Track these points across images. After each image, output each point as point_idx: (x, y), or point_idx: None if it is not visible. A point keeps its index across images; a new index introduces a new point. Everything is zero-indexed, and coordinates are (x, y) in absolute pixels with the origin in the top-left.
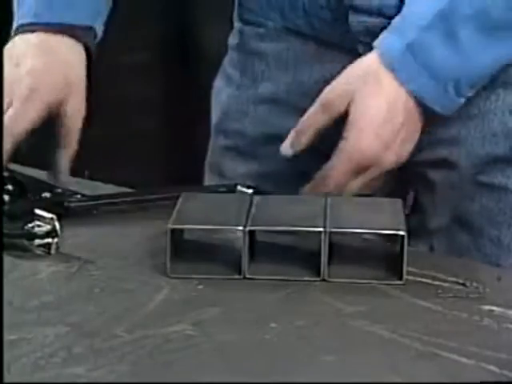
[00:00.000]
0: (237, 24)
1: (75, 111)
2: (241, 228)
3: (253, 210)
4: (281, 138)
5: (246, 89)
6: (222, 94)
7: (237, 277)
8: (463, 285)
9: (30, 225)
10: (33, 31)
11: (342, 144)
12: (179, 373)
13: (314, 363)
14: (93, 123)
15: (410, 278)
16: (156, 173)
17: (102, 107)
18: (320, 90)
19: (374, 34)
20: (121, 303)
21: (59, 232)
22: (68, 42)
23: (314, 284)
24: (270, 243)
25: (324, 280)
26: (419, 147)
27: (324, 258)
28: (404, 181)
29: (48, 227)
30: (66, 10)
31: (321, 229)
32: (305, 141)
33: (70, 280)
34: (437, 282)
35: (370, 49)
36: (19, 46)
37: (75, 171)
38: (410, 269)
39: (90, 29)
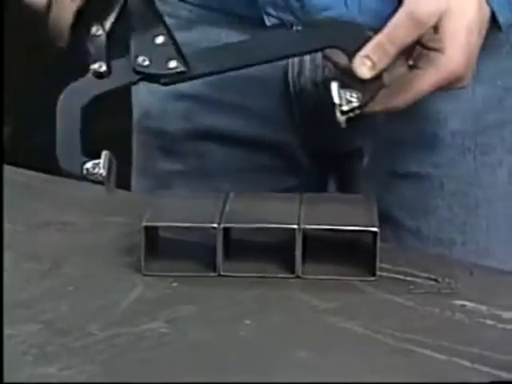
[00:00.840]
0: None
1: None
2: (215, 225)
3: (227, 207)
4: (202, 135)
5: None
6: (141, 90)
7: (211, 274)
8: (435, 280)
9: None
10: None
11: (436, 56)
12: (153, 371)
13: (288, 360)
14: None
15: (383, 274)
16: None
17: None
18: (237, 81)
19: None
20: (94, 301)
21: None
22: None
23: (289, 281)
24: (245, 240)
25: (298, 277)
26: (337, 141)
27: (298, 255)
28: (323, 172)
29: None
30: None
31: (295, 226)
32: (388, 60)
33: (43, 278)
34: (409, 278)
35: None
36: None
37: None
38: (383, 265)
39: None
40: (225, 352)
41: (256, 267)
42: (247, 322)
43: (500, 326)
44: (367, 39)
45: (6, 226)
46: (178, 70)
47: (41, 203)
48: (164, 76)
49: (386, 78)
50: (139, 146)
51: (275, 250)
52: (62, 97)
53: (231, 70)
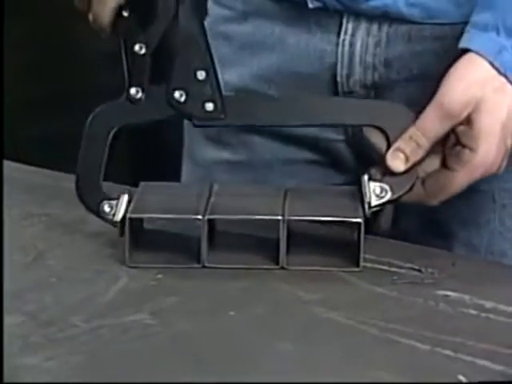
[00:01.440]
0: (209, 6)
1: None
2: (200, 217)
3: (212, 198)
4: (250, 127)
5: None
6: None
7: (196, 266)
8: (419, 271)
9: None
10: None
11: (469, 155)
12: (137, 362)
13: (272, 351)
14: (65, 114)
15: (367, 264)
16: (130, 164)
17: (76, 96)
18: (285, 77)
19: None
20: (78, 293)
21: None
22: None
23: (273, 272)
24: (230, 232)
25: (283, 268)
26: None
27: (282, 247)
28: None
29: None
30: None
31: (279, 217)
32: (422, 153)
33: (27, 269)
34: (393, 269)
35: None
36: None
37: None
38: (367, 256)
39: None
40: (209, 343)
41: (240, 259)
42: (232, 313)
43: (483, 315)
44: (410, 122)
45: None
46: (215, 115)
47: (24, 195)
48: (198, 118)
49: (420, 172)
50: (190, 134)
51: (260, 242)
52: (90, 119)
53: (265, 126)
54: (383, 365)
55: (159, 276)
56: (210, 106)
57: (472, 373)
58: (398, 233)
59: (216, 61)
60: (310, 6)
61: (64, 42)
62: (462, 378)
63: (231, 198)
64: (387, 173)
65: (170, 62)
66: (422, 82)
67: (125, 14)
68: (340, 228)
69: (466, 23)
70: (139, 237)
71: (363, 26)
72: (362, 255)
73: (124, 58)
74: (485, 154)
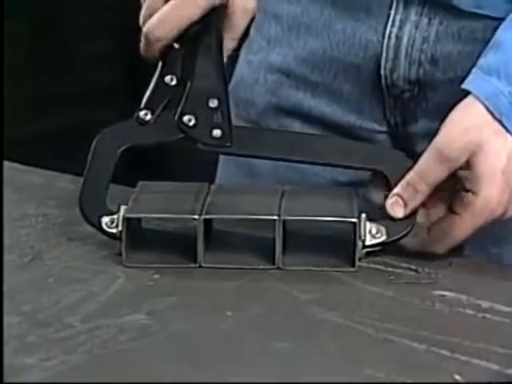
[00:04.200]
0: None
1: (241, 11)
2: (196, 217)
3: (209, 198)
4: (288, 112)
5: (259, 53)
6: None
7: (192, 265)
8: (415, 270)
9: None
10: None
11: (472, 199)
12: (133, 363)
13: (269, 351)
14: (58, 114)
15: (363, 264)
16: (125, 164)
17: (67, 97)
18: (328, 63)
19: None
20: (75, 293)
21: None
22: None
23: (270, 272)
24: (226, 232)
25: (279, 268)
26: (418, 136)
27: (278, 246)
28: None
29: None
30: None
31: (275, 217)
32: (420, 198)
33: (24, 269)
34: (389, 269)
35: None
36: None
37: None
38: (363, 255)
39: None
40: (206, 343)
41: (237, 259)
42: (228, 313)
43: (480, 315)
44: (408, 168)
45: None
46: (221, 143)
47: (20, 195)
48: (205, 144)
49: (423, 219)
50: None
51: (256, 242)
52: (99, 137)
53: (268, 159)
54: (379, 364)
55: (156, 276)
56: (217, 133)
57: (468, 372)
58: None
59: (263, 40)
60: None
61: (56, 41)
62: (459, 378)
63: (228, 197)
64: (386, 216)
65: (184, 86)
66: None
67: (176, 45)
68: (335, 227)
69: None
70: (136, 236)
71: (412, 18)
72: (357, 255)
73: (153, 83)
74: (487, 196)
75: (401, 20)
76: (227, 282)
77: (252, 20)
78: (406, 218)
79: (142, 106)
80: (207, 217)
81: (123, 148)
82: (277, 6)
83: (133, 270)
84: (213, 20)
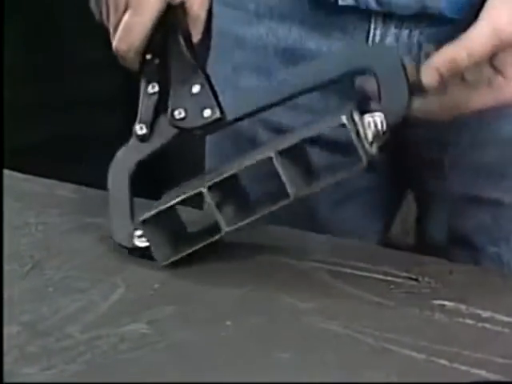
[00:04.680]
0: (217, 9)
1: (198, 3)
2: (202, 189)
3: (210, 176)
4: (269, 131)
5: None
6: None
7: (217, 236)
8: (415, 280)
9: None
10: None
11: (500, 81)
12: (133, 372)
13: (269, 360)
14: (56, 122)
15: (364, 273)
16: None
17: (65, 104)
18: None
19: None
20: (75, 302)
21: None
22: None
23: (270, 282)
24: (234, 192)
25: (295, 199)
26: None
27: (284, 177)
28: (401, 187)
29: None
30: None
31: (271, 153)
32: (458, 73)
33: (23, 279)
34: (389, 278)
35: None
36: None
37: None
38: (363, 264)
39: None
40: (206, 353)
41: (254, 211)
42: (228, 322)
43: (479, 325)
44: (402, 65)
45: None
46: (214, 117)
47: (21, 203)
48: (199, 128)
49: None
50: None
51: (264, 189)
52: (111, 165)
53: (265, 109)
54: (379, 374)
55: (156, 286)
56: (207, 112)
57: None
58: (425, 247)
59: (230, 67)
60: (341, 2)
61: (54, 49)
62: None
63: (226, 168)
64: (378, 102)
65: (166, 87)
66: None
67: (148, 56)
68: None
69: None
70: (156, 236)
71: (392, 31)
72: (361, 150)
73: (140, 96)
74: None
75: (381, 34)
76: (227, 291)
77: (210, 12)
78: (399, 97)
79: (137, 121)
80: (210, 183)
81: (134, 168)
82: (237, 29)
83: (133, 279)
84: (174, 19)
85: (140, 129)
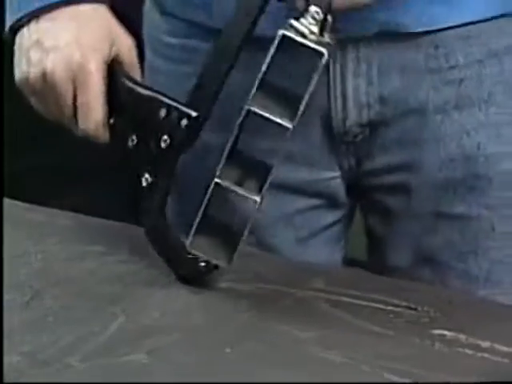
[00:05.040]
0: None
1: (128, 51)
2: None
3: None
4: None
5: None
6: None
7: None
8: (415, 309)
9: None
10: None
11: None
12: None
13: None
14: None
15: (363, 303)
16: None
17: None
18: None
19: None
20: (74, 332)
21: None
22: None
23: (270, 311)
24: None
25: None
26: (375, 172)
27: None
28: (363, 209)
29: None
30: None
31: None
32: None
33: (23, 309)
34: (389, 307)
35: None
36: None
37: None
38: (363, 294)
39: None
40: (206, 380)
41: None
42: (227, 350)
43: (479, 354)
44: None
45: None
46: (192, 121)
47: (20, 232)
48: (182, 140)
49: None
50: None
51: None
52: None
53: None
54: None
55: (156, 315)
56: (184, 122)
57: None
58: (389, 269)
59: None
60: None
61: None
62: None
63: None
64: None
65: (142, 127)
66: (419, 116)
67: (111, 121)
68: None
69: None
70: (208, 248)
71: (350, 66)
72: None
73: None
74: None
75: (341, 68)
76: (227, 320)
77: (140, 47)
78: None
79: (142, 177)
80: (220, 170)
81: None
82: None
83: (132, 308)
84: (115, 75)
85: (145, 180)
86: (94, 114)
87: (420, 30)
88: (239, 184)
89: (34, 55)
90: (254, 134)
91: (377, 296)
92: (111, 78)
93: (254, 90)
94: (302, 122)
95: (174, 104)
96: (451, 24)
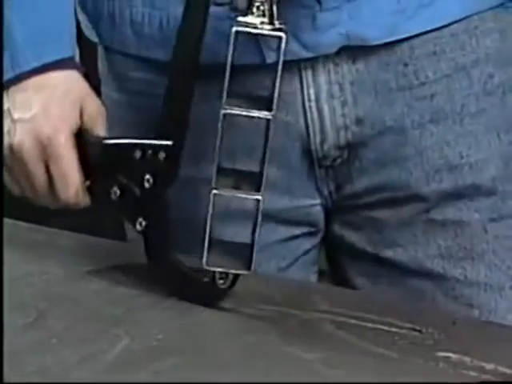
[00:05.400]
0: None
1: (97, 116)
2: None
3: None
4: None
5: None
6: None
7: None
8: (419, 331)
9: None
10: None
11: None
12: None
13: None
14: None
15: (368, 324)
16: None
17: None
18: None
19: None
20: (78, 354)
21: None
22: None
23: (274, 332)
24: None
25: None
26: (356, 195)
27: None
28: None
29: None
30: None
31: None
32: None
33: (27, 330)
34: (393, 329)
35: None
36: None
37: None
38: (367, 315)
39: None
40: None
41: None
42: (231, 371)
43: (484, 376)
44: None
45: None
46: (169, 151)
47: (23, 253)
48: (171, 176)
49: None
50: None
51: None
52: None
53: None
54: None
55: (160, 336)
56: (162, 155)
57: None
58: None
59: None
60: (269, 61)
61: None
62: None
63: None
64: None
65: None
66: (397, 134)
67: (87, 183)
68: None
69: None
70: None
71: (324, 88)
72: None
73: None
74: None
75: (315, 93)
76: (231, 341)
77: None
78: None
79: (136, 222)
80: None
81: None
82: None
83: (136, 329)
84: (82, 135)
85: (139, 224)
86: (71, 182)
87: (387, 40)
88: (237, 188)
89: (4, 126)
90: (237, 136)
91: (381, 318)
92: (78, 140)
93: (224, 97)
94: (281, 148)
95: (147, 142)
96: (418, 31)
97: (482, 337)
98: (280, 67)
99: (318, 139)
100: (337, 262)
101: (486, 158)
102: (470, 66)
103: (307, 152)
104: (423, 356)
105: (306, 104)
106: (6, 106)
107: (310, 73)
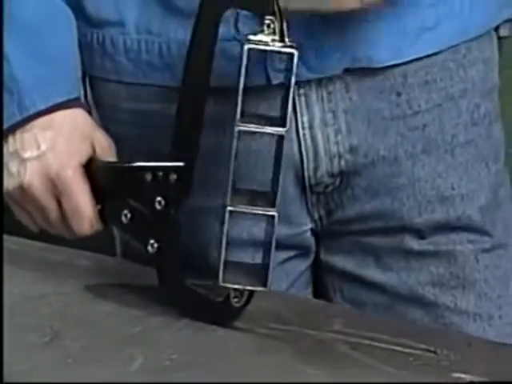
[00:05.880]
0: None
1: (108, 150)
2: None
3: None
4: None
5: None
6: None
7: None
8: (434, 352)
9: None
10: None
11: None
12: None
13: None
14: None
15: (382, 345)
16: None
17: None
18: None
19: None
20: (94, 374)
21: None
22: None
23: (287, 351)
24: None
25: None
26: (346, 221)
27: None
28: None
29: None
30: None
31: None
32: None
33: (43, 350)
34: (407, 350)
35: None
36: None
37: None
38: (382, 336)
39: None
40: None
41: None
42: None
43: None
44: None
45: (6, 296)
46: (180, 172)
47: (39, 273)
48: (182, 197)
49: None
50: None
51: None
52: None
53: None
54: None
55: (174, 356)
56: (173, 177)
57: None
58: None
59: None
60: (274, 82)
61: None
62: None
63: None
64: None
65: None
66: (391, 164)
67: (98, 206)
68: None
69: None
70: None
71: (318, 116)
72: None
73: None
74: None
75: (309, 121)
76: (243, 359)
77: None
78: None
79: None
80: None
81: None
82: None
83: (150, 349)
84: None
85: (151, 247)
86: (85, 215)
87: (391, 63)
88: (252, 205)
89: (12, 167)
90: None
91: (396, 339)
92: (89, 166)
93: (238, 114)
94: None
95: (158, 164)
96: (416, 56)
97: (497, 357)
98: (293, 83)
99: (311, 166)
100: (324, 284)
101: (476, 188)
102: (458, 96)
103: (300, 178)
104: (438, 377)
105: (300, 132)
106: (12, 148)
107: (303, 100)
